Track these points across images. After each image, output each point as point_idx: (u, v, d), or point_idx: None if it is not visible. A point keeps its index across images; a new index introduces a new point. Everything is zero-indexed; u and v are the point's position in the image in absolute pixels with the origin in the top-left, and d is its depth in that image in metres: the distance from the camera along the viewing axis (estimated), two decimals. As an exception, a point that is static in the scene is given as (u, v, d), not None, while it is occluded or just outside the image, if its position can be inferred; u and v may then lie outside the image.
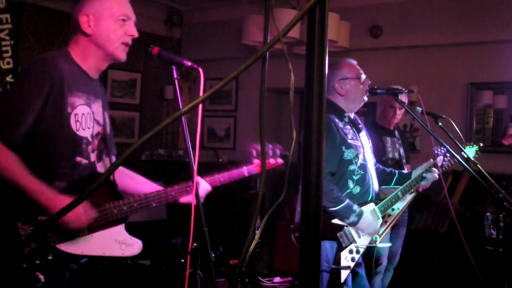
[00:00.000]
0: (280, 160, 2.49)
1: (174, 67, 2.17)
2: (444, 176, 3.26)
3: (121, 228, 2.05)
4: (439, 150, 3.29)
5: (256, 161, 2.42)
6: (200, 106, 1.74)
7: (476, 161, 2.96)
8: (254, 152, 2.42)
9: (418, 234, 4.80)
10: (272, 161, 2.48)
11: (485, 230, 4.11)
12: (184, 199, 2.21)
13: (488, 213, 4.13)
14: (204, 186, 2.24)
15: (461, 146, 3.18)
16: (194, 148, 2.11)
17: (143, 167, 6.34)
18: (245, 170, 2.40)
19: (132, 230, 2.09)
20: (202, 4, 7.05)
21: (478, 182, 2.63)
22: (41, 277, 1.84)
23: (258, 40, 5.52)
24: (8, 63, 4.97)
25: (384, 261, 3.89)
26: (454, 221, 3.06)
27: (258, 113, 1.00)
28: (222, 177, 2.33)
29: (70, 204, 0.93)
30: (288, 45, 5.48)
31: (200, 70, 2.08)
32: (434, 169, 3.17)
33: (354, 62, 3.03)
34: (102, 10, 2.02)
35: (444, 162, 3.35)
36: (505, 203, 2.63)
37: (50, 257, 1.88)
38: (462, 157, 3.11)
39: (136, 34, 2.10)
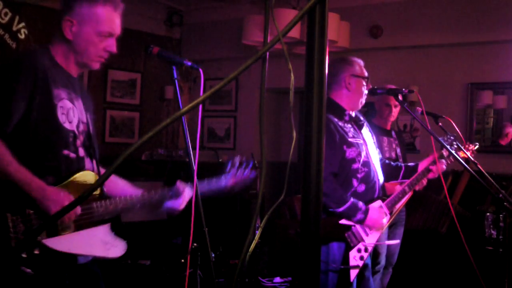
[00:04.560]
0: (252, 174, 2.49)
1: (174, 67, 2.17)
2: (444, 176, 3.25)
3: (107, 228, 2.05)
4: (447, 137, 3.25)
5: (232, 172, 2.44)
6: (200, 106, 1.74)
7: (476, 161, 2.95)
8: (229, 164, 2.46)
9: (418, 233, 4.80)
10: (246, 173, 2.48)
11: (485, 230, 4.11)
12: (168, 204, 2.22)
13: (488, 213, 4.13)
14: (188, 192, 2.25)
15: (461, 146, 3.18)
16: (194, 148, 2.11)
17: (143, 167, 6.34)
18: (222, 180, 2.42)
19: (132, 230, 2.09)
20: (202, 4, 7.05)
21: (478, 182, 2.63)
22: (28, 270, 1.82)
23: (258, 40, 5.52)
24: (5, 14, 5.02)
25: (383, 260, 3.89)
26: (454, 221, 3.06)
27: (258, 113, 1.00)
28: (201, 185, 2.32)
29: (71, 203, 0.93)
30: (288, 45, 5.48)
31: (200, 70, 2.08)
32: (442, 160, 3.16)
33: (362, 62, 3.05)
34: (89, 20, 2.00)
35: (452, 150, 3.30)
36: (505, 203, 2.63)
37: (36, 252, 1.86)
38: (462, 157, 3.11)
39: (115, 51, 2.08)
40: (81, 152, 2.07)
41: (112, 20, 2.05)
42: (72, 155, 2.02)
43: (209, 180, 2.37)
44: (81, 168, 2.06)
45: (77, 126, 2.06)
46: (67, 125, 2.00)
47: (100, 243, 2.01)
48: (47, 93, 1.94)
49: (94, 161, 2.16)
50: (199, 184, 2.30)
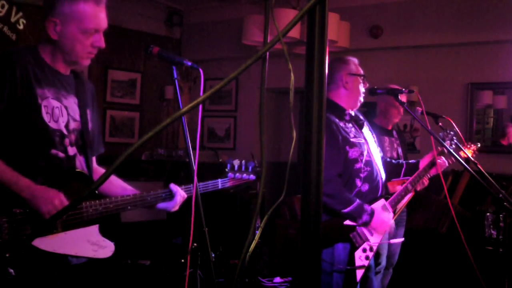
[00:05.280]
0: (252, 177, 2.51)
1: (174, 67, 2.16)
2: (444, 176, 3.25)
3: (95, 228, 2.02)
4: (447, 132, 3.25)
5: (230, 175, 2.48)
6: (200, 106, 1.74)
7: (476, 161, 2.95)
8: (229, 166, 2.49)
9: (418, 233, 4.80)
10: (244, 176, 2.51)
11: (485, 230, 4.11)
12: (160, 205, 2.23)
13: (488, 213, 4.12)
14: (181, 193, 2.26)
15: (460, 146, 3.18)
16: (194, 148, 2.11)
17: (143, 167, 6.34)
18: (219, 183, 2.45)
19: (132, 230, 2.08)
20: (202, 4, 7.05)
21: (478, 182, 2.63)
22: (11, 270, 1.79)
23: (258, 40, 5.52)
24: (2, 6, 5.03)
25: (383, 261, 3.88)
26: (454, 221, 3.06)
27: (258, 113, 1.00)
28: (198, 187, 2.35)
29: (69, 205, 0.93)
30: (288, 45, 5.48)
31: (200, 70, 2.08)
32: (442, 157, 3.16)
33: (358, 61, 3.06)
34: (72, 18, 1.97)
35: (451, 147, 3.31)
36: (505, 203, 2.63)
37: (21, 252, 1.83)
38: (462, 156, 3.10)
39: (103, 45, 2.05)
40: (71, 151, 2.06)
41: (96, 15, 2.01)
42: (61, 154, 2.01)
43: (205, 183, 2.39)
44: (71, 167, 2.05)
45: (66, 125, 2.04)
46: (52, 125, 1.98)
47: (87, 243, 1.99)
48: (29, 93, 1.92)
49: (88, 159, 2.14)
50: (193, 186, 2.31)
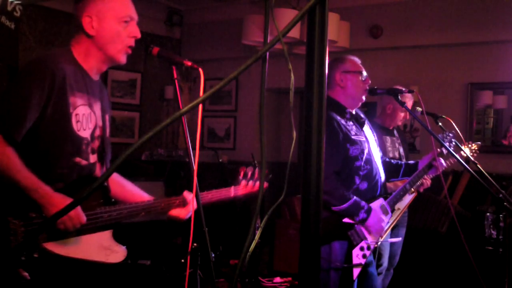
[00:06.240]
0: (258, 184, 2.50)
1: (174, 67, 2.16)
2: (444, 176, 3.25)
3: (108, 234, 2.03)
4: (445, 134, 3.25)
5: (243, 183, 2.48)
6: (200, 106, 1.74)
7: (476, 161, 2.95)
8: (242, 174, 2.48)
9: (418, 233, 4.80)
10: (257, 184, 2.51)
11: (485, 230, 4.11)
12: (173, 212, 2.23)
13: (488, 213, 4.13)
14: (193, 202, 2.25)
15: (460, 146, 3.18)
16: (194, 148, 2.11)
17: (143, 167, 6.34)
18: (231, 191, 2.45)
19: (132, 229, 2.08)
20: (202, 4, 7.05)
21: (478, 182, 2.63)
22: (25, 274, 1.80)
23: (258, 40, 5.51)
24: None
25: (385, 262, 3.88)
26: (454, 221, 3.06)
27: (258, 113, 1.00)
28: (211, 194, 2.36)
29: (71, 204, 0.93)
30: (288, 45, 5.47)
31: (200, 70, 2.07)
32: (440, 158, 3.16)
33: (358, 60, 3.04)
34: (106, 10, 1.99)
35: (451, 148, 3.30)
36: (505, 203, 2.63)
37: (35, 255, 1.84)
38: (462, 156, 3.10)
39: (139, 35, 2.08)
40: (93, 158, 2.07)
41: (127, 4, 2.05)
42: (84, 162, 2.02)
43: (218, 190, 2.38)
44: (90, 174, 2.05)
45: (92, 132, 2.05)
46: (81, 133, 1.99)
47: (100, 248, 2.00)
48: (62, 102, 1.92)
49: (105, 165, 2.15)
50: (207, 193, 2.32)
